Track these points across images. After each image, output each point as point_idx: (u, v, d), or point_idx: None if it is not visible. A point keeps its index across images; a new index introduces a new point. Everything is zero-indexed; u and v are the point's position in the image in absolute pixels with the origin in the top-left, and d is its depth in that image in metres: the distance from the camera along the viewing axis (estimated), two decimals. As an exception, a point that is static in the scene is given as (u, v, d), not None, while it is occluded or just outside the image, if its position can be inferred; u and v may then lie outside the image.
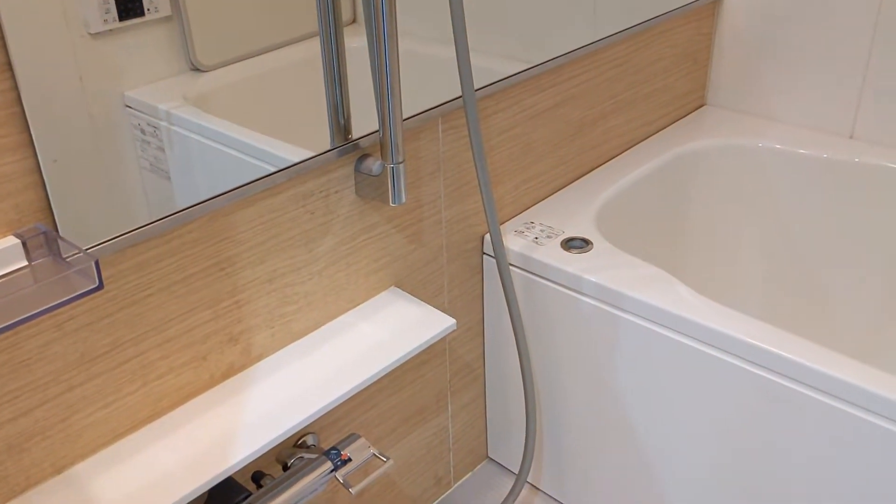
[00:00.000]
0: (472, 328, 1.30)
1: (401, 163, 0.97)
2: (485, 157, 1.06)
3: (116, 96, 0.80)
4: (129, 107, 0.83)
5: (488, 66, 1.13)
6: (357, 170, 1.01)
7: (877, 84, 1.40)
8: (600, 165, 1.42)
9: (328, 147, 0.97)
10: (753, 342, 1.00)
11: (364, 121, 1.01)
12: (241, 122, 0.91)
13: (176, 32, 0.82)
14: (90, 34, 0.75)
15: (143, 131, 0.88)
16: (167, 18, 0.81)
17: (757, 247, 1.54)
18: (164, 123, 0.87)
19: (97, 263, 0.68)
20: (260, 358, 0.99)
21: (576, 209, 1.29)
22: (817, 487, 1.02)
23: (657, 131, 1.52)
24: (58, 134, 0.74)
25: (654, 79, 1.46)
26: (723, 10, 1.53)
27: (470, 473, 1.44)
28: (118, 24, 0.78)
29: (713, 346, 1.04)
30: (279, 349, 1.01)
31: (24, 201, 0.73)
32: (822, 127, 1.49)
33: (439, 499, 1.40)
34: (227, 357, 0.96)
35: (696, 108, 1.61)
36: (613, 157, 1.44)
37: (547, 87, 1.23)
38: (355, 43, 0.97)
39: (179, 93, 0.86)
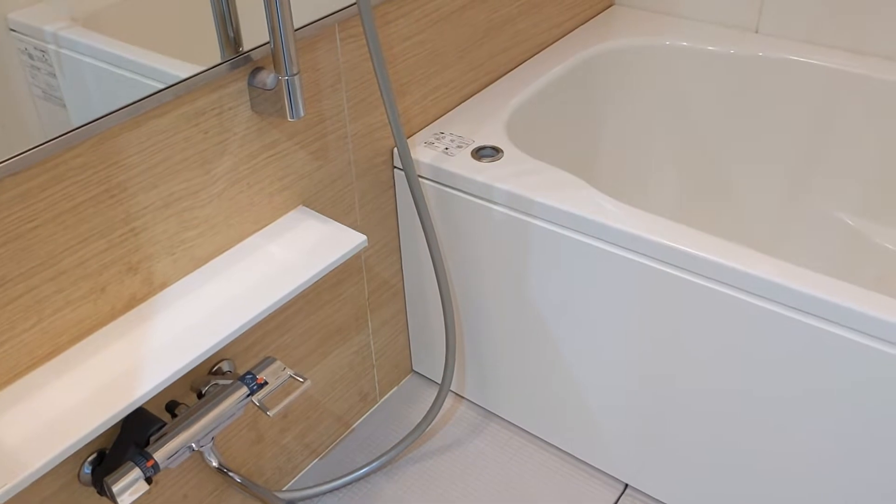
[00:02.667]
0: (387, 244, 1.29)
1: (296, 74, 0.93)
2: (386, 68, 1.03)
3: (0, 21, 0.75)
4: (14, 31, 0.78)
5: (385, -30, 1.09)
6: (251, 84, 0.97)
7: (780, -24, 1.40)
8: (510, 71, 1.39)
9: (217, 61, 0.92)
10: (660, 240, 1.01)
11: (257, 32, 0.96)
12: (132, 41, 0.86)
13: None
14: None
15: (31, 56, 0.82)
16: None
17: (667, 144, 1.55)
18: (52, 47, 0.81)
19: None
20: (163, 287, 0.96)
21: (486, 117, 1.27)
22: (726, 377, 1.05)
23: (566, 33, 1.50)
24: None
25: (560, -21, 1.42)
26: None
27: (395, 388, 1.45)
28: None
29: (623, 247, 1.05)
30: (183, 276, 0.98)
31: None
32: (728, 22, 1.49)
33: (365, 415, 1.41)
34: (128, 288, 0.92)
35: (605, 9, 1.59)
36: (523, 62, 1.41)
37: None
38: None
39: (66, 12, 0.81)
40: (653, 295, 1.05)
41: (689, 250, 0.99)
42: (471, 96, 1.33)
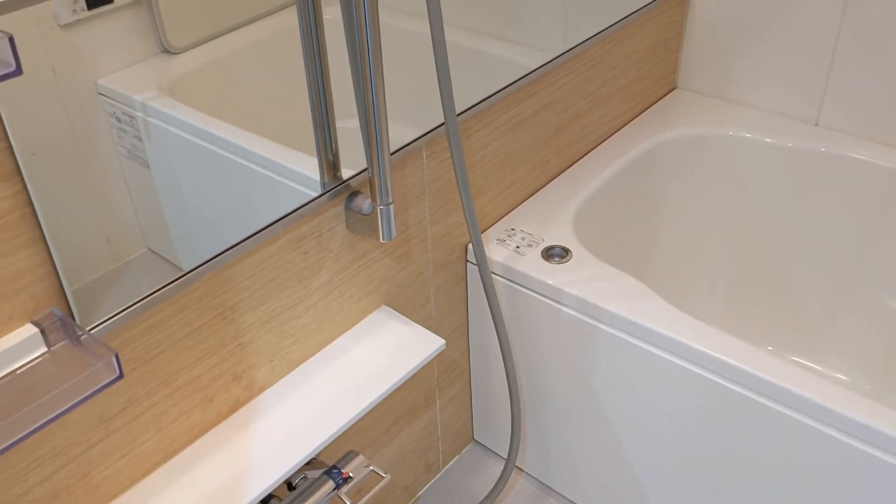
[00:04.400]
0: (457, 328, 1.36)
1: (390, 203, 1.01)
2: (467, 179, 1.10)
3: (90, 85, 0.80)
4: (103, 95, 0.85)
5: (467, 89, 1.16)
6: (347, 207, 1.05)
7: (842, 74, 1.44)
8: (577, 161, 1.46)
9: (318, 187, 1.00)
10: (723, 358, 1.07)
11: (354, 157, 1.04)
12: (215, 111, 0.90)
13: (145, 16, 0.82)
14: (60, 26, 0.74)
15: (118, 119, 0.90)
16: (136, 2, 0.80)
17: (726, 233, 1.61)
18: (139, 114, 0.88)
19: (117, 357, 0.72)
20: (262, 390, 1.05)
21: (554, 213, 1.34)
22: (787, 493, 1.11)
23: (631, 120, 1.56)
24: (33, 128, 0.73)
25: (627, 72, 1.49)
26: (694, -2, 1.55)
27: (457, 457, 1.53)
28: (87, 14, 0.76)
29: (686, 358, 1.11)
30: (279, 379, 1.07)
31: (39, 291, 0.76)
32: (790, 113, 1.54)
33: (430, 483, 1.49)
34: (232, 394, 1.01)
35: (668, 92, 1.64)
36: (589, 152, 1.48)
37: (524, 98, 1.26)
38: (330, 15, 0.95)
39: (152, 79, 0.86)
40: (713, 406, 1.12)
41: (752, 371, 1.06)
42: (540, 189, 1.40)
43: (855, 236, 1.49)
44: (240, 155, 0.95)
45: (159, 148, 0.86)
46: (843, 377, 1.56)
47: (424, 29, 1.00)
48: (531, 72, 1.24)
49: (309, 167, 1.00)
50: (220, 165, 0.91)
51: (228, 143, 0.94)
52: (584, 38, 1.32)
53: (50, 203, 0.75)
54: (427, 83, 1.08)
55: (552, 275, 1.22)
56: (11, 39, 0.56)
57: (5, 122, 0.70)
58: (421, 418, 1.37)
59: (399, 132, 1.08)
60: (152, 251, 0.90)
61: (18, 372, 0.74)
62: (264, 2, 0.88)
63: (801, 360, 1.60)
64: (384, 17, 1.02)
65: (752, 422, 1.09)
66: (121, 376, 0.73)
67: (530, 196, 1.38)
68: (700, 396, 1.12)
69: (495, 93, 1.19)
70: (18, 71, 0.57)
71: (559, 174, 1.43)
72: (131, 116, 0.87)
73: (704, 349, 1.09)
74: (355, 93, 1.00)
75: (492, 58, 1.19)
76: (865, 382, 1.54)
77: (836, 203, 1.48)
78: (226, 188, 0.93)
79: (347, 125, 1.01)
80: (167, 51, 0.84)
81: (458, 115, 1.15)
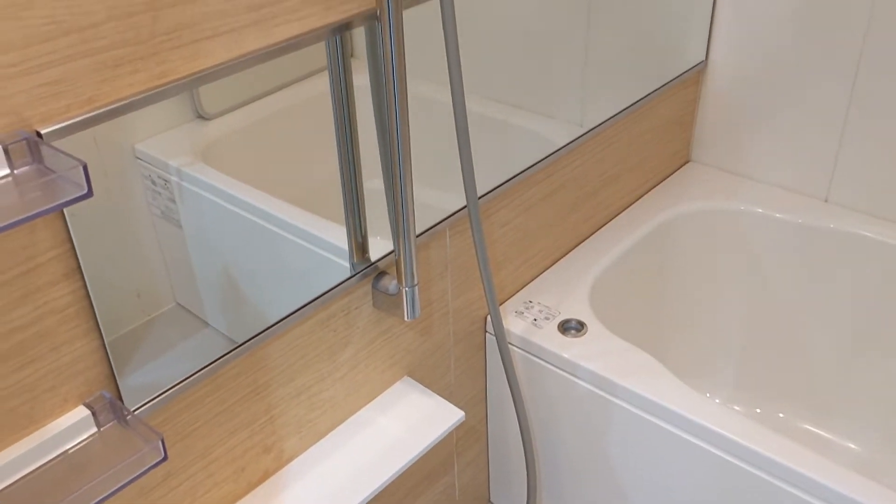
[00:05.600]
0: (475, 396, 1.41)
1: (415, 285, 1.07)
2: (487, 258, 1.16)
3: (128, 150, 0.83)
4: (140, 159, 0.86)
5: (490, 163, 1.22)
6: (374, 287, 1.11)
7: (851, 151, 1.50)
8: (592, 234, 1.52)
9: (344, 255, 1.05)
10: (725, 433, 1.12)
11: (379, 211, 1.09)
12: (246, 176, 0.94)
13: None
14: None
15: (153, 182, 0.95)
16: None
17: (739, 304, 1.65)
18: (174, 178, 0.93)
19: (163, 441, 0.78)
20: (290, 460, 1.10)
21: (570, 286, 1.39)
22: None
23: (645, 193, 1.62)
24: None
25: (642, 149, 1.55)
26: (707, 77, 1.62)
27: (474, 518, 1.57)
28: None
29: (692, 433, 1.16)
30: (306, 449, 1.12)
31: (92, 376, 0.82)
32: (800, 189, 1.59)
33: (446, 544, 1.53)
34: (262, 465, 1.06)
35: (682, 165, 1.70)
36: (604, 225, 1.54)
37: (543, 179, 1.33)
38: (361, 81, 0.99)
39: (187, 145, 0.89)
40: (724, 482, 1.16)
41: (760, 451, 1.10)
42: (557, 261, 1.45)
43: (865, 309, 1.53)
44: (269, 221, 1.01)
45: (192, 210, 0.90)
46: (854, 446, 1.60)
47: (446, 97, 1.06)
48: (549, 155, 1.30)
49: (336, 235, 1.05)
50: (249, 230, 0.96)
51: (258, 210, 1.00)
52: (601, 121, 1.38)
53: (92, 267, 0.80)
54: (449, 154, 1.14)
55: (568, 348, 1.27)
56: (85, 167, 0.63)
57: (69, 224, 0.77)
58: (439, 482, 1.42)
59: (424, 195, 1.14)
60: (180, 305, 0.95)
61: (71, 452, 0.80)
62: (295, 68, 0.92)
63: (812, 428, 1.63)
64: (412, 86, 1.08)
65: (760, 499, 1.13)
66: (165, 458, 0.79)
67: (548, 268, 1.44)
68: (711, 472, 1.17)
69: (515, 175, 1.25)
70: (90, 194, 0.64)
71: (575, 247, 1.49)
72: (166, 180, 0.91)
73: (714, 427, 1.13)
74: (384, 182, 1.06)
75: (514, 129, 1.24)
76: (876, 451, 1.58)
77: (846, 278, 1.52)
78: (255, 251, 0.98)
79: (375, 185, 1.07)
80: (202, 116, 0.88)
81: (480, 197, 1.21)
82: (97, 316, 0.81)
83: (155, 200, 0.88)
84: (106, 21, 0.71)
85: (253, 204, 0.96)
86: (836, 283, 1.54)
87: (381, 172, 1.06)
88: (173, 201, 0.92)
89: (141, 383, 0.88)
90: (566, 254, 1.47)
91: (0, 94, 0.66)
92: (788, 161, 1.58)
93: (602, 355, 1.26)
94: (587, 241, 1.50)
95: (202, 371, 0.92)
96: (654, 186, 1.64)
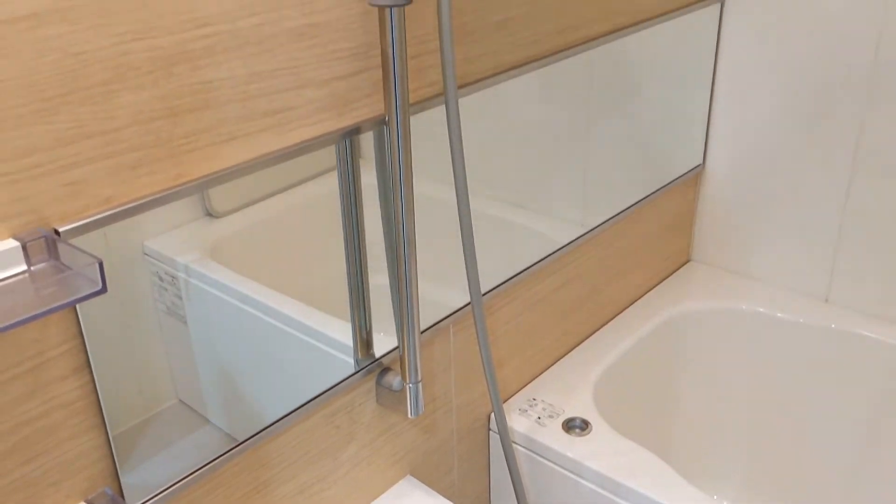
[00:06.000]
0: (479, 495, 1.39)
1: (419, 382, 1.07)
2: (491, 357, 1.17)
3: (137, 246, 0.84)
4: (148, 255, 0.87)
5: (492, 269, 1.24)
6: (378, 383, 1.11)
7: (849, 252, 1.52)
8: (595, 332, 1.52)
9: (349, 352, 1.06)
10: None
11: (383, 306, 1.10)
12: (253, 273, 0.95)
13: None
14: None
15: (160, 278, 0.96)
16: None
17: (742, 403, 1.65)
18: (181, 275, 0.94)
19: (164, 539, 0.77)
20: (290, 561, 1.08)
21: (575, 383, 1.39)
22: None
23: (647, 291, 1.64)
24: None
25: (643, 248, 1.57)
26: (705, 179, 1.65)
27: None
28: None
29: (704, 537, 1.14)
30: (307, 550, 1.10)
31: (95, 472, 0.82)
32: (801, 288, 1.61)
33: None
34: (262, 565, 1.05)
35: (683, 265, 1.73)
36: (607, 323, 1.55)
37: (546, 276, 1.35)
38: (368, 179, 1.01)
39: (195, 242, 0.90)
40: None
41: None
42: (560, 358, 1.46)
43: (871, 409, 1.52)
44: (274, 317, 1.02)
45: (198, 307, 0.91)
46: (865, 552, 1.56)
47: (451, 196, 1.09)
48: (551, 253, 1.32)
49: (341, 331, 1.06)
50: (254, 325, 0.97)
51: (263, 306, 1.01)
52: (602, 221, 1.41)
53: (99, 362, 0.81)
54: (453, 251, 1.16)
55: (572, 448, 1.26)
56: (101, 264, 0.65)
57: (80, 319, 0.78)
58: (441, 586, 1.38)
59: (428, 291, 1.15)
60: (182, 402, 0.96)
61: (70, 550, 0.79)
62: (303, 169, 0.95)
63: (821, 533, 1.60)
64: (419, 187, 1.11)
65: None
66: (165, 557, 0.78)
67: (551, 365, 1.44)
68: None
69: (518, 273, 1.27)
70: (104, 290, 0.66)
71: (579, 344, 1.49)
72: (173, 276, 0.92)
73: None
74: (390, 278, 1.08)
75: (517, 227, 1.27)
76: (888, 558, 1.54)
77: (850, 378, 1.52)
78: (259, 347, 0.98)
79: (380, 282, 1.08)
80: (210, 214, 0.90)
81: (484, 294, 1.23)
82: (104, 411, 0.82)
83: (161, 296, 0.89)
84: (128, 126, 0.74)
85: (258, 300, 0.98)
86: (840, 383, 1.54)
87: (386, 269, 1.08)
88: (179, 297, 0.93)
89: (142, 480, 0.87)
90: (569, 351, 1.48)
91: (24, 194, 0.69)
92: (788, 261, 1.60)
93: (607, 455, 1.25)
94: (590, 338, 1.51)
95: (203, 469, 0.92)
96: (656, 285, 1.66)
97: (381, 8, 0.89)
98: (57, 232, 0.72)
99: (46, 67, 0.67)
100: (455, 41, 1.04)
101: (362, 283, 1.06)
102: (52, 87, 0.68)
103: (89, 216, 0.74)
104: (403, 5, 0.88)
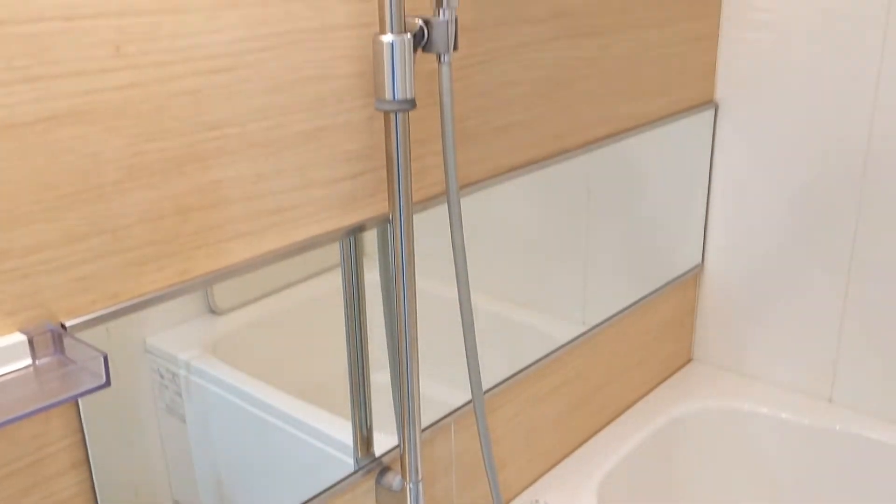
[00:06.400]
0: None
1: (419, 482, 1.06)
2: (493, 458, 1.15)
3: (139, 343, 0.84)
4: (150, 352, 0.86)
5: (493, 366, 1.24)
6: (378, 483, 1.10)
7: (850, 352, 1.52)
8: (598, 431, 1.51)
9: (349, 451, 1.05)
10: None
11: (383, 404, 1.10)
12: (255, 370, 0.95)
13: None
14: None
15: (161, 375, 0.95)
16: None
17: (746, 502, 1.62)
18: (182, 372, 0.93)
19: None
20: None
21: (578, 485, 1.37)
22: None
23: (650, 391, 1.63)
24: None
25: (644, 347, 1.57)
26: (704, 278, 1.67)
27: None
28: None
29: None
30: None
31: (88, 572, 0.81)
32: (804, 388, 1.60)
33: None
34: None
35: (684, 364, 1.72)
36: (610, 423, 1.53)
37: (547, 374, 1.34)
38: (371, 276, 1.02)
39: (197, 338, 0.90)
40: None
41: None
42: (563, 458, 1.44)
43: (878, 515, 1.49)
44: (274, 415, 1.01)
45: (198, 405, 0.90)
46: None
47: (453, 294, 1.10)
48: (553, 351, 1.33)
49: (341, 430, 1.05)
50: (253, 423, 0.96)
51: (263, 404, 1.00)
52: (602, 319, 1.42)
53: (98, 458, 0.80)
54: (455, 348, 1.16)
55: (575, 552, 1.23)
56: (106, 358, 0.66)
57: (82, 414, 0.78)
58: None
59: (429, 389, 1.15)
60: (178, 503, 0.94)
61: None
62: (306, 266, 0.96)
63: None
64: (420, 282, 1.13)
65: None
66: None
67: (554, 466, 1.42)
68: None
69: (520, 370, 1.27)
70: (108, 384, 0.66)
71: (582, 444, 1.48)
72: (174, 373, 0.91)
73: None
74: (391, 376, 1.08)
75: (518, 325, 1.28)
76: None
77: (854, 480, 1.50)
78: (258, 445, 0.97)
79: (380, 379, 1.08)
80: (213, 311, 0.90)
81: (486, 391, 1.22)
82: (100, 507, 0.81)
83: (161, 394, 0.89)
84: (138, 223, 0.76)
85: (259, 398, 0.98)
86: (844, 485, 1.51)
87: (386, 366, 1.08)
88: (179, 395, 0.93)
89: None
90: (573, 451, 1.46)
91: (34, 288, 0.70)
92: (790, 361, 1.60)
93: (611, 559, 1.22)
94: (593, 438, 1.50)
95: (200, 569, 0.90)
96: (659, 384, 1.66)
97: (387, 112, 0.92)
98: (63, 326, 0.73)
99: (61, 167, 0.70)
100: (457, 144, 1.08)
101: (363, 381, 1.06)
102: (65, 185, 0.70)
103: (96, 311, 0.75)
104: (408, 110, 0.91)
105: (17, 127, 0.67)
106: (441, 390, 1.18)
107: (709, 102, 1.54)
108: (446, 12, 0.92)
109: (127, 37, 0.71)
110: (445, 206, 1.09)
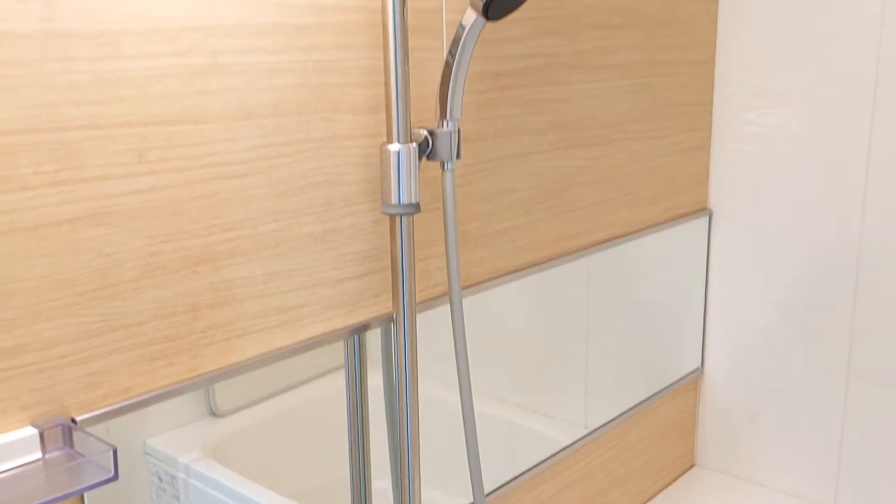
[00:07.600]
0: None
1: (420, 586, 1.04)
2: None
3: (139, 444, 0.83)
4: (149, 455, 0.86)
5: (495, 470, 1.24)
6: (378, 588, 1.08)
7: (852, 459, 1.51)
8: (601, 539, 1.49)
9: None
10: None
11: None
12: (255, 473, 0.94)
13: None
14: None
15: (160, 478, 0.94)
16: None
17: None
18: (181, 475, 0.91)
19: None
20: None
21: None
22: None
23: (652, 497, 1.61)
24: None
25: (645, 452, 1.57)
26: (704, 383, 1.68)
27: None
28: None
29: None
30: None
31: None
32: (807, 495, 1.58)
33: None
34: None
35: (687, 470, 1.71)
36: (613, 529, 1.51)
37: (549, 478, 1.34)
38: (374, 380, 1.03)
39: (197, 441, 0.90)
40: None
41: None
42: (565, 566, 1.41)
43: None
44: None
45: None
46: None
47: (455, 397, 1.11)
48: (554, 454, 1.32)
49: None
50: None
51: None
52: (603, 423, 1.42)
53: None
54: (457, 452, 1.16)
55: None
56: (115, 452, 0.67)
57: (86, 509, 0.79)
58: None
59: (430, 494, 1.15)
60: None
61: None
62: (308, 368, 0.97)
63: None
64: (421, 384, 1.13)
65: None
66: None
67: (556, 574, 1.40)
68: None
69: (522, 473, 1.27)
70: (115, 477, 0.67)
71: (584, 551, 1.45)
72: (173, 476, 0.90)
73: None
74: (392, 481, 1.08)
75: (520, 429, 1.28)
76: None
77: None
78: None
79: (381, 485, 1.08)
80: (214, 413, 0.90)
81: (487, 495, 1.22)
82: None
83: (159, 497, 0.89)
84: (150, 320, 0.79)
85: (258, 502, 0.96)
86: None
87: (388, 471, 1.08)
88: (177, 498, 0.93)
89: None
90: (574, 558, 1.44)
91: (47, 383, 0.72)
92: (792, 466, 1.59)
93: None
94: (596, 545, 1.47)
95: None
96: (661, 491, 1.64)
97: (392, 216, 0.96)
98: (74, 420, 0.75)
99: (81, 265, 0.73)
100: (459, 246, 1.11)
101: (365, 486, 1.06)
102: (84, 283, 0.73)
103: (107, 406, 0.77)
104: (412, 214, 0.95)
105: (43, 227, 0.70)
106: (442, 496, 1.17)
107: (703, 210, 1.59)
108: (449, 124, 0.98)
109: (149, 144, 0.76)
110: (447, 306, 1.11)
